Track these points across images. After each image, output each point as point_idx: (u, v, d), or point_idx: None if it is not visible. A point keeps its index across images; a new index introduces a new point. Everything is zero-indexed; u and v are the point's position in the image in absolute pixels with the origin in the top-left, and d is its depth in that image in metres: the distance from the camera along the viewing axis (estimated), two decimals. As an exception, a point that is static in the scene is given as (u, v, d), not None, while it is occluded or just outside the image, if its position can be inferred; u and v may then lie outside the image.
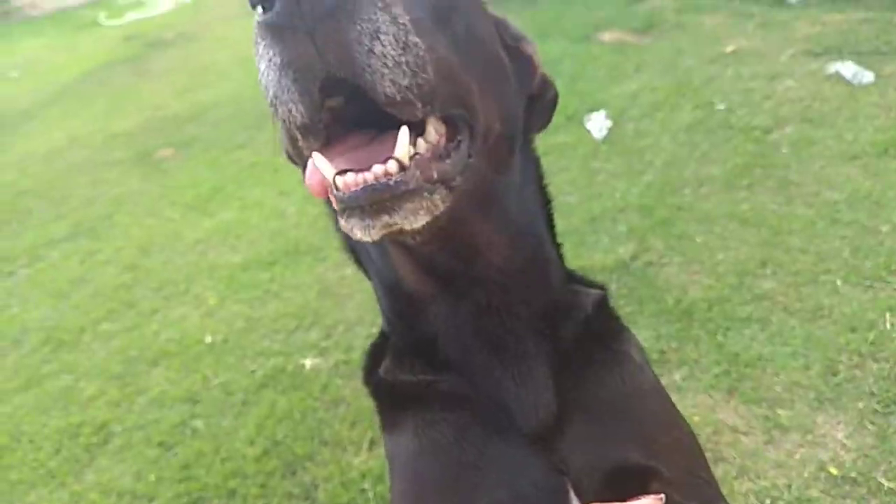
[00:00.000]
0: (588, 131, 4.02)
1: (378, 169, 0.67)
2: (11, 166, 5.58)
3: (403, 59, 0.65)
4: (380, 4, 0.65)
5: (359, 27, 0.63)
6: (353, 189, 0.67)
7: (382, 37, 0.64)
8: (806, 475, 1.93)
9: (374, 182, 0.67)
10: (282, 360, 2.80)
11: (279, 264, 3.47)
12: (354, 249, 1.03)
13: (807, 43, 4.65)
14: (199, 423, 2.58)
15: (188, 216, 4.20)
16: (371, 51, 0.64)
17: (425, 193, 0.70)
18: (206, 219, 4.11)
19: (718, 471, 2.00)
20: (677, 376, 2.32)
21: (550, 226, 1.05)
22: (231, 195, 4.35)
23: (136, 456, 2.50)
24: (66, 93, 7.35)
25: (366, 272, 1.04)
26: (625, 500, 0.87)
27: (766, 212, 3.05)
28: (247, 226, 3.93)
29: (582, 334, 0.98)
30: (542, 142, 3.63)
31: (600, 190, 3.47)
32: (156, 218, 4.25)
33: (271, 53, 0.65)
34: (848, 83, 4.01)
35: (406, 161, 0.68)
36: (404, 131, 0.69)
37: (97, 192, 4.75)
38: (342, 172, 0.68)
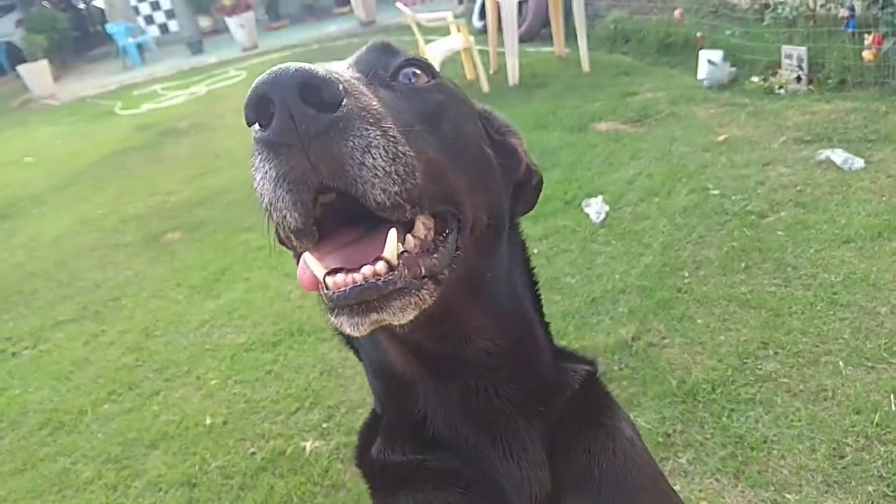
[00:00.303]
0: (587, 215, 4.11)
1: (367, 270, 0.70)
2: (21, 248, 5.67)
3: (393, 168, 0.69)
4: (371, 120, 0.69)
5: (351, 143, 0.67)
6: (342, 289, 0.70)
7: (373, 150, 0.68)
8: (817, 562, 1.88)
9: (363, 282, 0.69)
10: (281, 442, 2.77)
11: (282, 345, 3.48)
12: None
13: (797, 131, 4.80)
14: (196, 508, 2.53)
15: (193, 298, 4.24)
16: (363, 164, 0.67)
17: (413, 290, 0.73)
18: (211, 300, 4.14)
19: (728, 558, 1.95)
20: (683, 459, 2.29)
21: (538, 306, 1.08)
22: (236, 276, 4.40)
23: (131, 542, 2.44)
24: (79, 178, 7.54)
25: (356, 353, 1.07)
26: None
27: (764, 294, 3.08)
28: (251, 307, 3.96)
29: (572, 411, 1.01)
30: (542, 225, 3.74)
31: (600, 272, 3.52)
32: (162, 300, 4.28)
33: (267, 167, 0.69)
34: (839, 169, 4.12)
35: (394, 260, 0.71)
36: (393, 234, 0.72)
37: (105, 275, 4.81)
38: (332, 272, 0.71)
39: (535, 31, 9.53)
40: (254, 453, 2.75)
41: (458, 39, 7.37)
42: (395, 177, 0.69)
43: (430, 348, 0.92)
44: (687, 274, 3.37)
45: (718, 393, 2.54)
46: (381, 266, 0.70)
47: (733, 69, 6.29)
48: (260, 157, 0.70)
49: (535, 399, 0.97)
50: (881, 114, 4.77)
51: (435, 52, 7.22)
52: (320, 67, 0.68)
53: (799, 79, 5.69)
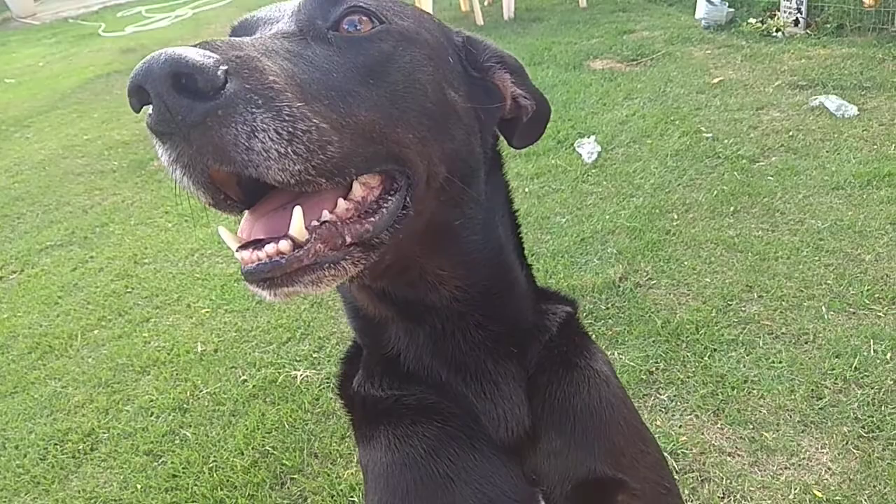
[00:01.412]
0: (579, 155, 4.10)
1: (270, 248, 0.70)
2: (4, 172, 5.58)
3: (290, 149, 0.66)
4: (259, 101, 0.65)
5: (234, 129, 0.64)
6: (248, 265, 0.70)
7: (261, 134, 0.64)
8: (791, 497, 1.97)
9: (267, 260, 0.69)
10: (273, 371, 2.82)
11: (272, 277, 3.49)
12: None
13: (792, 76, 4.77)
14: (187, 433, 2.58)
15: (182, 226, 4.21)
16: (250, 148, 0.64)
17: (327, 264, 0.72)
18: (201, 229, 4.12)
19: (704, 490, 2.03)
20: (665, 396, 2.36)
21: (520, 248, 1.07)
22: (225, 207, 4.37)
23: (123, 464, 2.50)
24: (62, 101, 7.35)
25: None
26: None
27: (751, 238, 3.12)
28: (240, 238, 3.94)
29: (549, 352, 1.03)
30: (534, 164, 3.74)
31: (590, 212, 3.53)
32: (150, 227, 4.26)
33: (160, 151, 0.68)
34: (832, 116, 4.11)
35: (301, 237, 0.70)
36: (298, 211, 0.71)
37: (92, 201, 4.76)
38: (246, 245, 0.71)
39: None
40: (245, 381, 2.80)
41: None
42: (295, 156, 0.66)
43: (394, 294, 0.93)
44: (676, 216, 3.39)
45: (702, 333, 2.60)
46: (284, 245, 0.70)
47: (731, 10, 6.18)
48: (154, 141, 0.69)
49: (507, 342, 0.99)
50: (877, 61, 4.74)
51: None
52: (197, 51, 0.64)
53: (797, 22, 5.60)
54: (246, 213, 0.75)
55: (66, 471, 2.51)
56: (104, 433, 2.66)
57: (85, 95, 7.49)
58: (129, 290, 3.61)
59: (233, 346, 3.02)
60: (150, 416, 2.71)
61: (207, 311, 3.31)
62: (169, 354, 3.03)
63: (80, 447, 2.60)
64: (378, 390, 1.01)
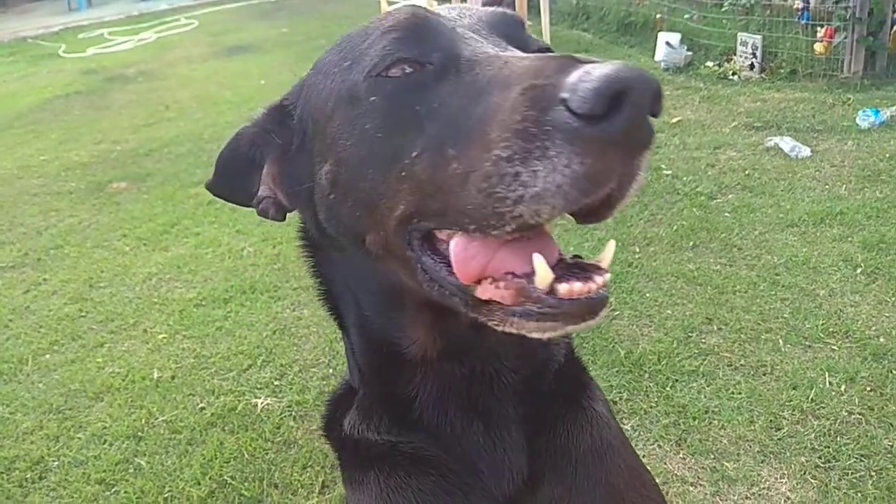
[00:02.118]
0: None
1: (599, 279, 0.70)
2: (-46, 191, 5.41)
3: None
4: None
5: (646, 157, 0.69)
6: (574, 297, 0.68)
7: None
8: (750, 525, 1.99)
9: (596, 294, 0.69)
10: (232, 398, 2.76)
11: (234, 302, 3.43)
12: (333, 300, 1.01)
13: (748, 117, 4.94)
14: (142, 461, 2.50)
15: (140, 250, 4.13)
16: (638, 181, 0.70)
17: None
18: (159, 253, 4.05)
19: (666, 520, 2.04)
20: (628, 426, 2.37)
21: None
22: (186, 231, 4.30)
23: (74, 493, 2.40)
24: (19, 121, 7.20)
25: (341, 324, 1.03)
26: None
27: (710, 272, 3.19)
28: (201, 262, 3.88)
29: (553, 392, 0.99)
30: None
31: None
32: (106, 250, 4.16)
33: (570, 158, 0.61)
34: (786, 156, 4.27)
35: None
36: (612, 244, 0.75)
37: (47, 222, 4.63)
38: (560, 279, 0.68)
39: (499, 1, 9.46)
40: (203, 408, 2.73)
41: (421, 2, 7.27)
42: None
43: (456, 332, 0.89)
44: (638, 249, 3.45)
45: (663, 364, 2.63)
46: (607, 277, 0.71)
47: (689, 53, 6.40)
48: (566, 146, 0.61)
49: (527, 383, 0.96)
50: (828, 105, 4.95)
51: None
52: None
53: (752, 66, 5.83)
54: (537, 255, 0.69)
55: (12, 500, 2.40)
56: (54, 461, 2.55)
57: (43, 115, 7.35)
58: (83, 314, 3.51)
59: (191, 373, 2.95)
60: (103, 443, 2.61)
61: (165, 337, 3.23)
62: (124, 381, 2.95)
63: (28, 476, 2.49)
64: (374, 434, 0.97)
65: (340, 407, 1.06)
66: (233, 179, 1.01)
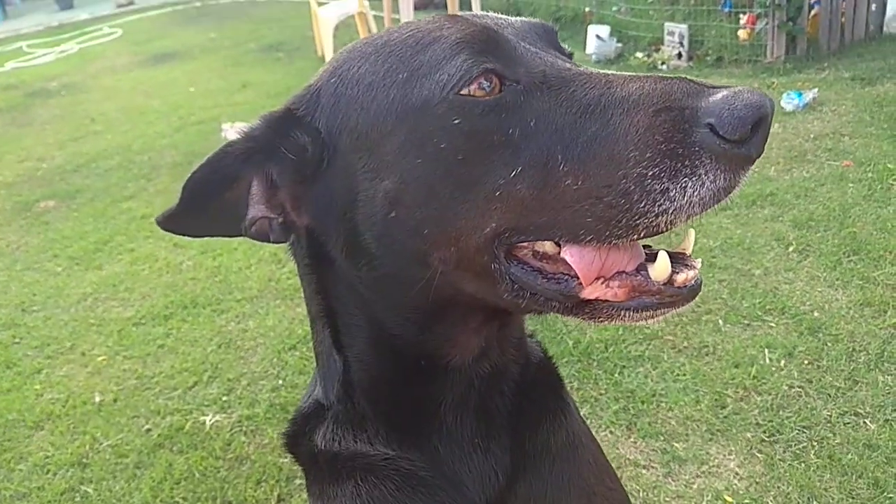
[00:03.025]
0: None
1: (698, 265, 0.78)
2: None
3: None
4: None
5: None
6: (689, 283, 0.77)
7: None
8: (703, 504, 2.04)
9: (698, 278, 0.78)
10: (179, 417, 2.68)
11: (175, 318, 3.34)
12: (333, 323, 0.96)
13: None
14: (88, 489, 2.41)
15: (73, 270, 3.98)
16: None
17: None
18: (93, 272, 3.91)
19: (622, 505, 2.07)
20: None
21: None
22: (120, 248, 4.17)
23: (16, 529, 2.30)
24: (-67, 141, 6.84)
25: (337, 345, 0.96)
26: None
27: (652, 258, 3.26)
28: (138, 279, 3.76)
29: (531, 394, 1.01)
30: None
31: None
32: (38, 272, 3.99)
33: (718, 177, 0.71)
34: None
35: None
36: (692, 232, 0.81)
37: (-30, 246, 4.42)
38: (676, 270, 0.77)
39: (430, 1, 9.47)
40: (149, 430, 2.64)
41: (353, 3, 7.21)
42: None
43: (491, 332, 0.93)
44: (581, 240, 3.50)
45: (611, 351, 2.68)
46: (700, 263, 0.79)
47: (619, 45, 6.53)
48: (714, 164, 0.70)
49: (520, 389, 0.99)
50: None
51: (329, 15, 7.04)
52: None
53: (680, 55, 5.98)
54: (663, 253, 0.78)
55: (-53, 543, 2.29)
56: (-9, 497, 2.44)
57: (-40, 135, 7.00)
58: (16, 341, 3.36)
59: (134, 395, 2.86)
60: (47, 473, 2.51)
61: (104, 359, 3.12)
62: (64, 407, 2.83)
63: (-36, 515, 2.38)
64: (365, 445, 0.95)
65: (309, 423, 1.03)
66: (207, 205, 0.88)
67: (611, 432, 2.33)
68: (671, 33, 6.03)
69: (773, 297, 2.85)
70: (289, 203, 0.88)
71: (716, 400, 2.38)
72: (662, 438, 2.27)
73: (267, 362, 2.92)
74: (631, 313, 0.76)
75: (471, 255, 0.78)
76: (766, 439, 2.21)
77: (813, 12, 5.65)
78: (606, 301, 0.77)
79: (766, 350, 2.56)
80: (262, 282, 3.54)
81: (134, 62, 9.73)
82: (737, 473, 2.12)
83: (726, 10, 5.86)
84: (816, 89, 4.79)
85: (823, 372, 2.44)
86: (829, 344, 2.56)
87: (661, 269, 0.76)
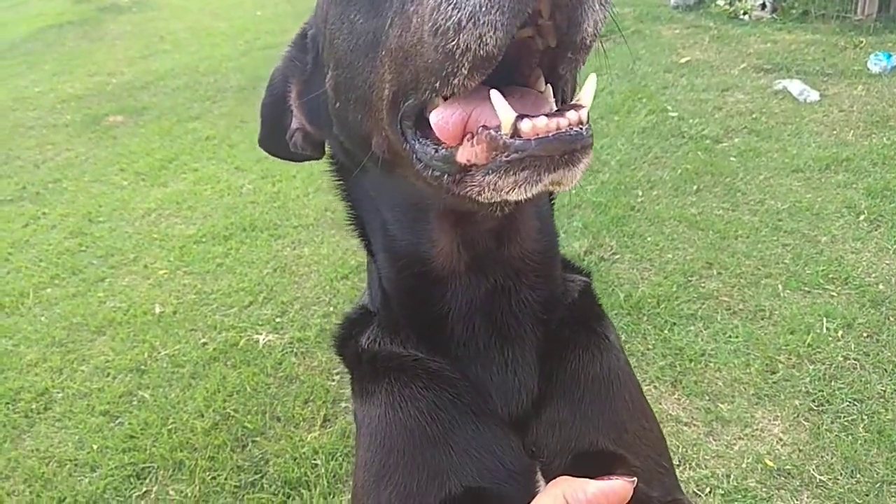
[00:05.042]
0: (548, 128, 4.10)
1: (573, 115, 0.62)
2: (-52, 122, 5.34)
3: (605, 10, 0.66)
4: None
5: None
6: (541, 135, 0.61)
7: None
8: (744, 466, 2.03)
9: (567, 130, 0.62)
10: (234, 334, 2.78)
11: (234, 239, 3.43)
12: (361, 225, 1.01)
13: (757, 59, 4.84)
14: (145, 394, 2.54)
15: (139, 185, 4.10)
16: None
17: (590, 148, 0.64)
18: (158, 189, 4.02)
19: (660, 458, 2.08)
20: (625, 367, 2.40)
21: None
22: (184, 166, 4.26)
23: (79, 424, 2.44)
24: (11, 52, 7.04)
25: (367, 245, 1.02)
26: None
27: (713, 216, 3.18)
28: (200, 199, 3.86)
29: (568, 318, 1.01)
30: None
31: (558, 186, 3.55)
32: (104, 185, 4.13)
33: None
34: (794, 100, 4.20)
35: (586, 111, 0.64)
36: (593, 78, 0.67)
37: (44, 156, 4.59)
38: (522, 116, 0.62)
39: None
40: (205, 343, 2.75)
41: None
42: (600, 18, 0.66)
43: (480, 242, 0.90)
44: (640, 193, 3.43)
45: (662, 308, 2.65)
46: (583, 113, 0.63)
47: (701, -10, 6.23)
48: None
49: (543, 306, 0.97)
50: (839, 48, 4.84)
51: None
52: None
53: (764, 6, 5.68)
54: (495, 91, 0.64)
55: (18, 430, 2.45)
56: (58, 393, 2.59)
57: (35, 46, 7.19)
58: (83, 249, 3.51)
59: (192, 309, 2.97)
60: (107, 376, 2.65)
61: (165, 273, 3.23)
62: (125, 315, 2.97)
63: (34, 406, 2.53)
64: (399, 347, 0.98)
65: (356, 327, 1.06)
66: (278, 126, 0.97)
67: (655, 387, 2.32)
68: (757, -18, 5.72)
69: (838, 266, 2.76)
70: (298, 111, 0.96)
71: (766, 365, 2.35)
72: (707, 398, 2.26)
73: (319, 289, 2.98)
74: (491, 179, 0.64)
75: (390, 136, 0.77)
76: (815, 408, 2.18)
77: (914, -33, 5.27)
78: (477, 167, 0.66)
79: (825, 319, 2.50)
80: (318, 210, 3.59)
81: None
82: (780, 439, 2.10)
83: (819, -41, 5.52)
84: (908, 51, 4.51)
85: (882, 346, 2.37)
86: (892, 318, 2.48)
87: (500, 113, 0.62)
